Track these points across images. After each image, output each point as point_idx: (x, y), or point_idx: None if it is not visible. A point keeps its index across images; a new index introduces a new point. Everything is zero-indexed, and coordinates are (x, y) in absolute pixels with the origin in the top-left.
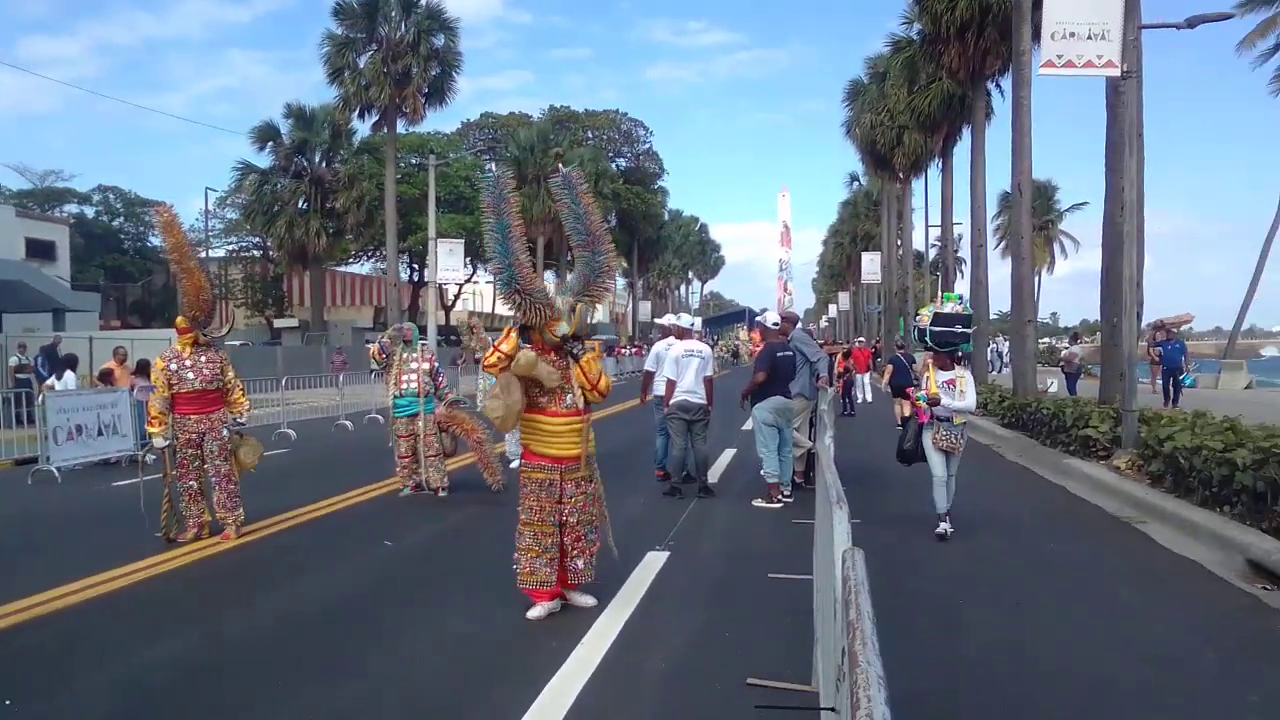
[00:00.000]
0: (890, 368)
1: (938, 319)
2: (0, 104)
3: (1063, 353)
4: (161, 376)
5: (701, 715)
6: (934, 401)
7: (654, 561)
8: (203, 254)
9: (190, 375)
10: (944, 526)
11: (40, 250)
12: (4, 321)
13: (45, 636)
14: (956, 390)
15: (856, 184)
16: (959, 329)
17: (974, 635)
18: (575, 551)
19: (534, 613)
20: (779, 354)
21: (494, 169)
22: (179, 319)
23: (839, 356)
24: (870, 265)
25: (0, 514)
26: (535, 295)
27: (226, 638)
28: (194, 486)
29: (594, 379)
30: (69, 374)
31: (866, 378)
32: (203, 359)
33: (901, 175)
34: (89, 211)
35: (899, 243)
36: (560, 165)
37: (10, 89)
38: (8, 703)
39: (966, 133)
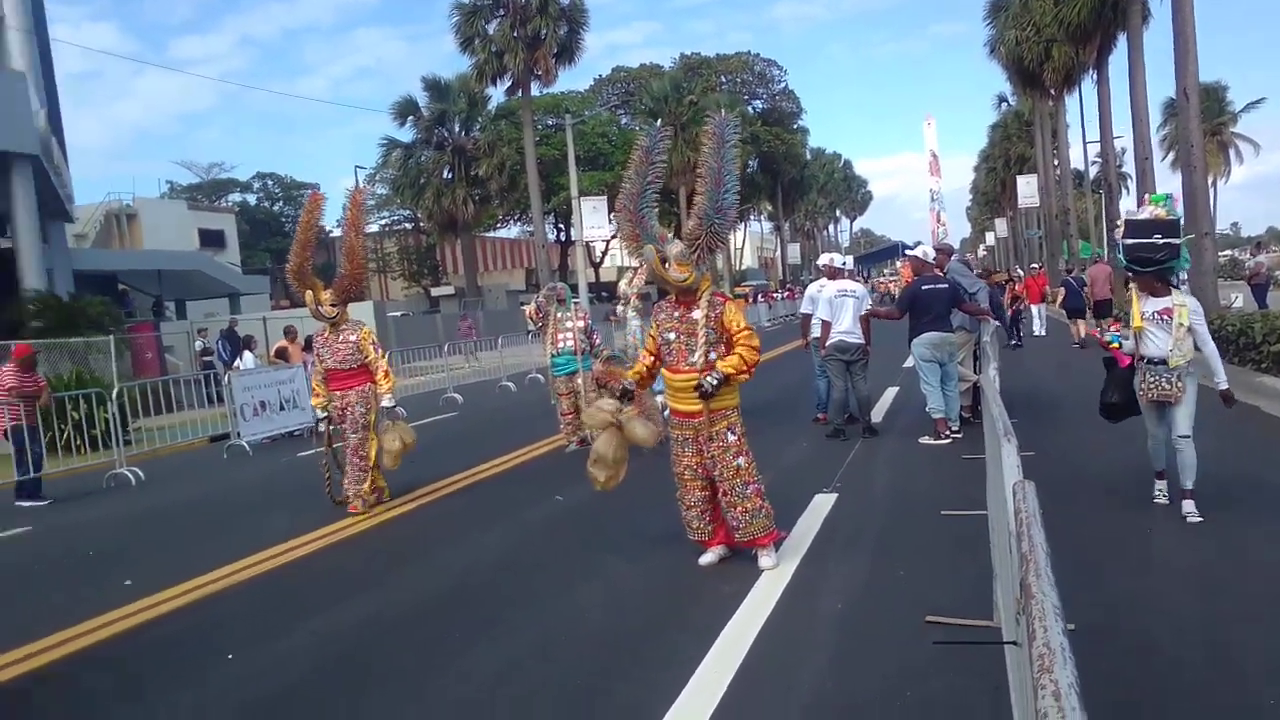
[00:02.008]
0: (1062, 291)
1: (1130, 228)
2: (165, 106)
3: (1248, 264)
4: (315, 351)
5: (880, 654)
6: (1156, 360)
7: (822, 504)
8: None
9: (326, 353)
10: (1161, 487)
11: (212, 239)
12: (187, 309)
13: (252, 598)
14: (1174, 324)
15: (1005, 105)
16: (1159, 239)
17: (1163, 567)
18: (726, 505)
19: (704, 559)
20: (923, 288)
21: (659, 123)
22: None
23: (1010, 285)
24: (1026, 189)
25: (204, 487)
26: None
27: (407, 597)
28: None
29: (733, 331)
30: (248, 354)
31: (1041, 308)
32: (339, 338)
33: (1053, 91)
34: (251, 199)
35: (1055, 163)
36: (723, 111)
37: (170, 91)
38: (229, 656)
39: (1121, 40)
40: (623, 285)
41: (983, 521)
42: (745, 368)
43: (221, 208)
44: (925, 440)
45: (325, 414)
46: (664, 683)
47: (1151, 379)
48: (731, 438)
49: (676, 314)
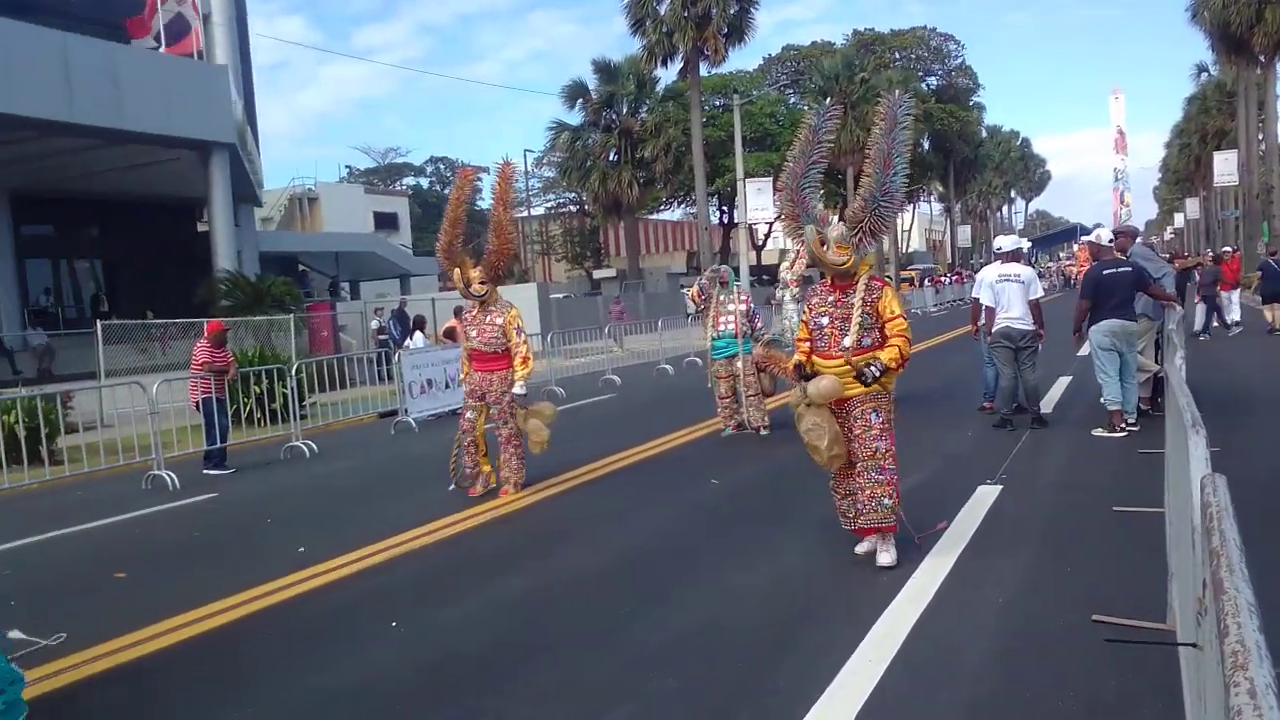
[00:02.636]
0: (1259, 275)
1: None
2: (346, 93)
3: None
4: (460, 330)
5: (1042, 651)
6: None
7: (986, 496)
8: (525, 213)
9: (473, 332)
10: None
11: (386, 222)
12: (361, 289)
13: (417, 569)
14: None
15: (1204, 75)
16: None
17: None
18: (858, 487)
19: (860, 548)
20: (1105, 273)
21: (829, 101)
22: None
23: (1199, 270)
24: (1224, 166)
25: (372, 461)
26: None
27: (568, 573)
28: (468, 439)
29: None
30: (418, 334)
31: (1236, 295)
32: (487, 318)
33: (1262, 58)
34: (423, 183)
35: (1260, 137)
36: (898, 91)
37: (352, 78)
38: (394, 624)
39: None
40: (783, 270)
41: (1158, 519)
42: (902, 360)
43: (396, 191)
44: (1099, 432)
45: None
46: (820, 668)
47: None
48: (876, 419)
49: (831, 298)
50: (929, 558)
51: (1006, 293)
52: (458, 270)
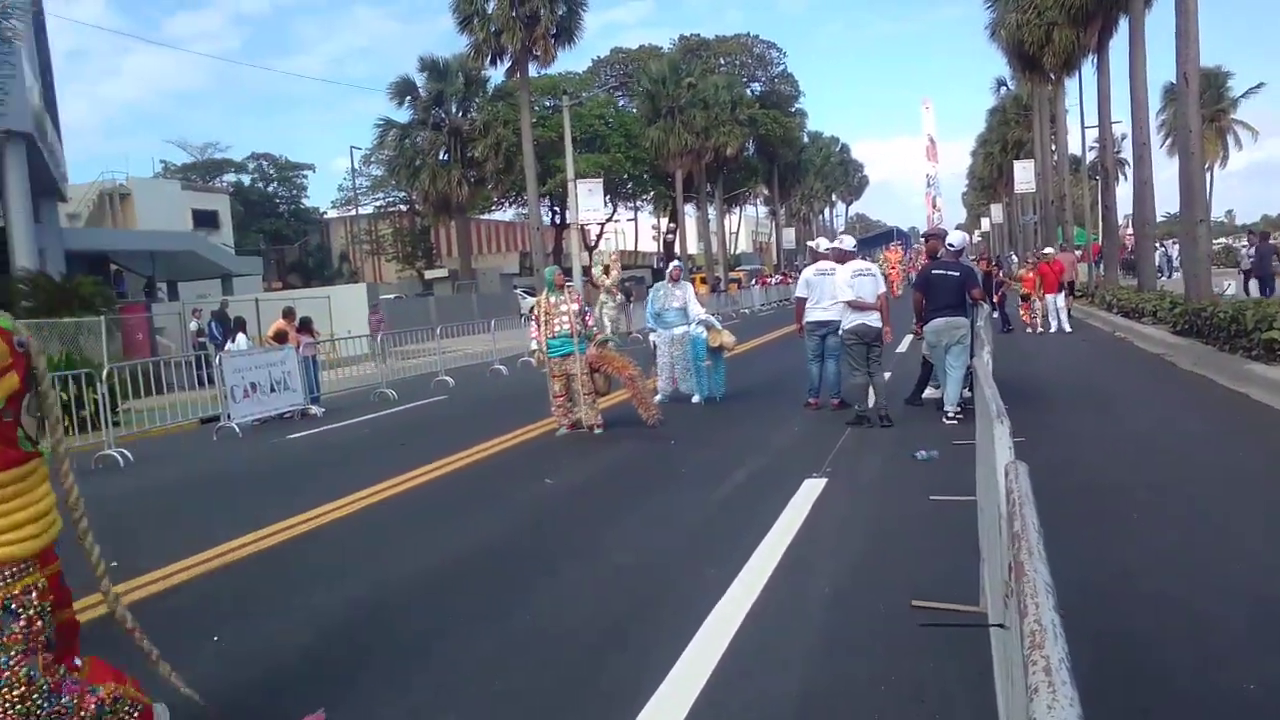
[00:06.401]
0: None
1: None
2: (158, 84)
3: (1244, 253)
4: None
5: (866, 637)
6: None
7: (811, 489)
8: (353, 212)
9: None
10: None
11: (206, 220)
12: (180, 290)
13: (239, 580)
14: None
15: (1004, 89)
16: None
17: (1148, 550)
18: None
19: None
20: (934, 272)
21: None
22: None
23: (1027, 271)
24: (1023, 174)
25: (191, 469)
26: None
27: (397, 581)
28: None
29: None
30: (240, 336)
31: (1060, 299)
32: None
33: (1053, 75)
34: (245, 179)
35: (1053, 148)
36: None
37: (165, 68)
38: (216, 639)
39: (1123, 23)
40: (596, 274)
41: (971, 506)
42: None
43: (215, 188)
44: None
45: None
46: (653, 664)
47: None
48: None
49: None
50: (758, 550)
51: (859, 288)
52: None
